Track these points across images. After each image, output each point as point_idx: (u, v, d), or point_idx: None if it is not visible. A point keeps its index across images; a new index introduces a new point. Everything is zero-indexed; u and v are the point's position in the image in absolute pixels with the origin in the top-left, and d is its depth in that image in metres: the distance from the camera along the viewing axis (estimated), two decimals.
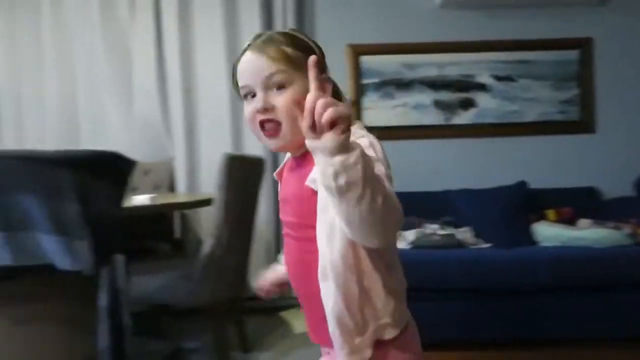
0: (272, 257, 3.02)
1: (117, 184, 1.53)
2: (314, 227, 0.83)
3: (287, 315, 2.97)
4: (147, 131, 3.04)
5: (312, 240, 0.83)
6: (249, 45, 0.90)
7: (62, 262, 1.40)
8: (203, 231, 3.01)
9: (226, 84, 2.99)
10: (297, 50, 0.87)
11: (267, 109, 0.85)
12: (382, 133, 3.55)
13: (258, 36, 0.91)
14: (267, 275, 1.13)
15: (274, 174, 1.01)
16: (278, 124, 0.86)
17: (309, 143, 0.69)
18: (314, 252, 0.83)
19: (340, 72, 3.13)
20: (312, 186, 0.83)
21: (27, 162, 1.41)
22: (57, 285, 1.51)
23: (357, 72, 3.12)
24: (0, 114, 3.07)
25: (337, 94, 0.91)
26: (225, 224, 2.07)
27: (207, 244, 2.06)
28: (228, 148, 2.93)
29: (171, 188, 3.00)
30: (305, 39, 0.91)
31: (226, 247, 2.08)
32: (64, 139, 3.00)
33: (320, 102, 0.66)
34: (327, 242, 0.81)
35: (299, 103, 0.82)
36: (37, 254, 1.40)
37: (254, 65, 0.87)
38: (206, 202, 2.16)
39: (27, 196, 1.40)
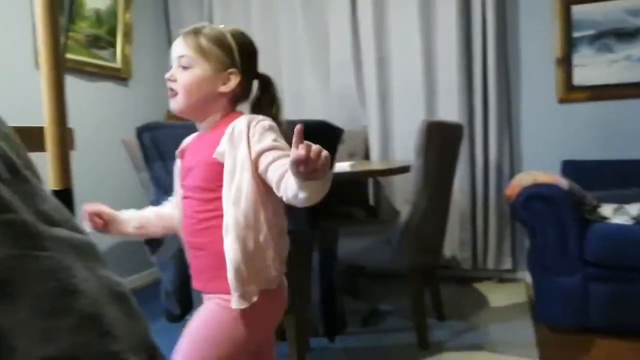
0: (466, 226, 2.93)
1: (326, 150, 1.62)
2: (212, 190, 1.04)
3: (482, 287, 2.87)
4: (342, 102, 3.17)
5: (210, 201, 1.05)
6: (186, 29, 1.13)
7: None
8: (397, 198, 3.05)
9: (419, 53, 2.95)
10: (214, 45, 1.08)
11: (171, 79, 1.10)
12: (598, 92, 3.14)
13: (195, 26, 1.13)
14: (102, 206, 1.17)
15: (177, 152, 1.19)
16: (176, 93, 1.10)
17: (303, 183, 0.89)
18: (209, 211, 1.04)
19: (547, 26, 2.82)
20: (219, 159, 1.04)
21: None
22: None
23: (567, 24, 2.77)
24: None
25: (271, 89, 1.13)
26: (423, 191, 2.06)
27: (405, 211, 2.08)
28: (421, 115, 2.90)
29: (366, 156, 3.10)
30: (230, 41, 1.10)
31: (424, 214, 2.07)
32: None
33: (321, 162, 0.86)
34: (233, 204, 1.01)
35: (192, 83, 1.08)
36: None
37: (176, 45, 1.11)
38: (404, 170, 2.18)
39: None
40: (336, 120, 3.07)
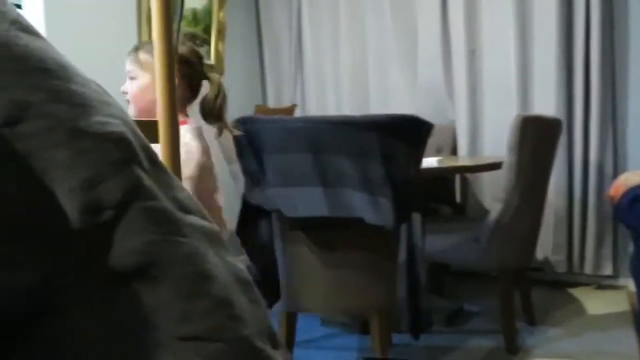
0: (561, 227, 2.77)
1: (415, 146, 1.60)
2: None
3: (577, 292, 2.70)
4: (429, 96, 3.11)
5: None
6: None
7: (369, 216, 1.55)
8: (485, 195, 2.94)
9: (513, 44, 2.81)
10: (152, 57, 1.20)
11: (124, 92, 1.39)
12: None
13: (135, 45, 1.40)
14: None
15: None
16: (129, 101, 1.37)
17: None
18: None
19: None
20: None
21: (341, 127, 1.58)
22: (363, 238, 1.68)
23: None
24: (306, 83, 3.55)
25: (216, 86, 1.38)
26: (515, 189, 1.97)
27: (495, 209, 2.00)
28: (514, 110, 2.76)
29: (453, 151, 3.01)
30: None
31: (515, 213, 1.99)
32: (357, 105, 3.31)
33: None
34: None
35: (138, 91, 1.35)
36: (348, 208, 1.58)
37: (128, 63, 1.39)
38: (494, 166, 2.09)
39: (341, 157, 1.58)
40: (422, 114, 3.04)
